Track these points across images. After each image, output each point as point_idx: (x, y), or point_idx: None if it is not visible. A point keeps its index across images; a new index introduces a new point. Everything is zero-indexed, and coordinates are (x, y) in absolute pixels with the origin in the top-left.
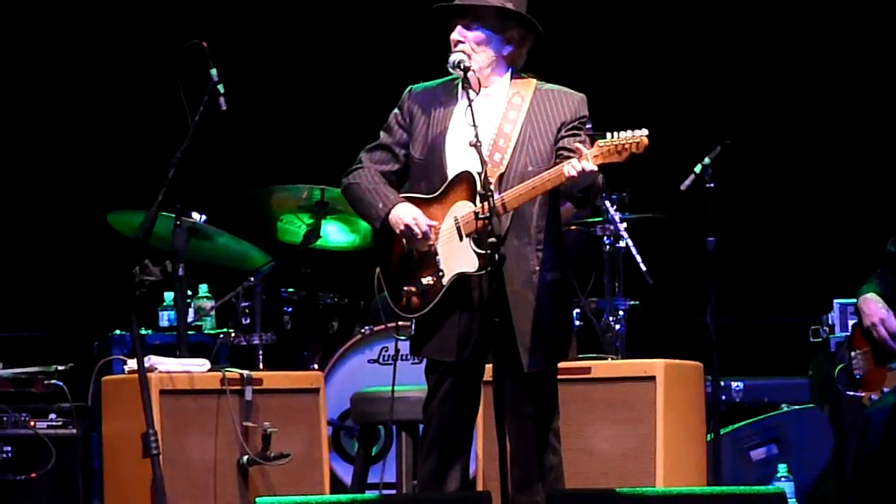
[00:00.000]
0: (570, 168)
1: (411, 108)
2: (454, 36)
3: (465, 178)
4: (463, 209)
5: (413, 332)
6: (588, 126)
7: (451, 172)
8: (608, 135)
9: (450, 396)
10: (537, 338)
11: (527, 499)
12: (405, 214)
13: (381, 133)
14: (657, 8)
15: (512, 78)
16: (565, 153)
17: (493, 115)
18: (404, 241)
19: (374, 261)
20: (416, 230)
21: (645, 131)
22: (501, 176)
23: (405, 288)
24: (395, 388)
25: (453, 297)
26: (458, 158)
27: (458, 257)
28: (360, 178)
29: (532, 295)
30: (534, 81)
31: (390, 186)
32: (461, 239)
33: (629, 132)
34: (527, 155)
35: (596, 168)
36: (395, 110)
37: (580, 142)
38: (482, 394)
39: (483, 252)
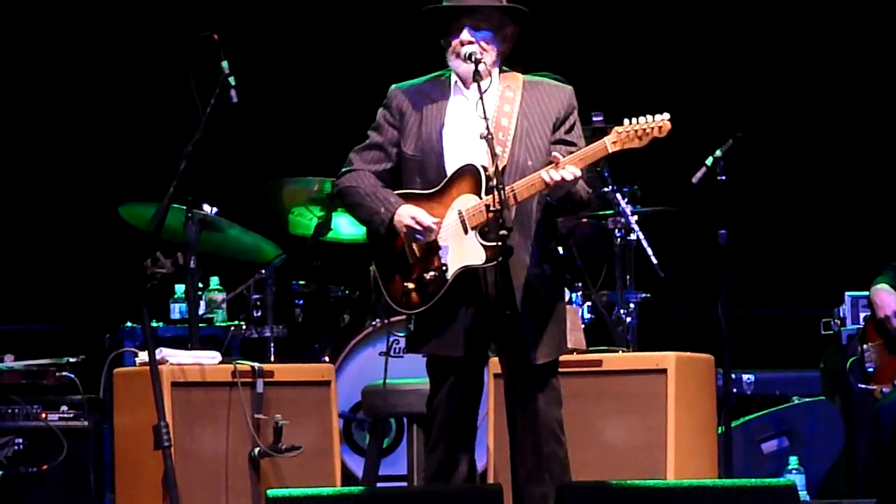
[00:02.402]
0: (547, 175)
1: (400, 106)
2: (464, 37)
3: (468, 171)
4: (467, 202)
5: (412, 329)
6: (599, 118)
7: (450, 167)
8: (626, 121)
9: (456, 390)
10: (543, 330)
11: (536, 490)
12: (407, 216)
13: (371, 133)
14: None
15: (500, 72)
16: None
17: (489, 109)
18: (409, 240)
19: (369, 258)
20: (420, 228)
21: (667, 115)
22: (503, 169)
23: (406, 284)
24: (406, 381)
25: (457, 291)
26: (456, 153)
27: (462, 251)
28: (357, 181)
29: (538, 287)
30: (519, 75)
31: (386, 187)
32: (466, 232)
33: (649, 117)
34: (526, 149)
35: (571, 177)
36: (382, 110)
37: (571, 153)
38: (492, 387)
39: (491, 244)
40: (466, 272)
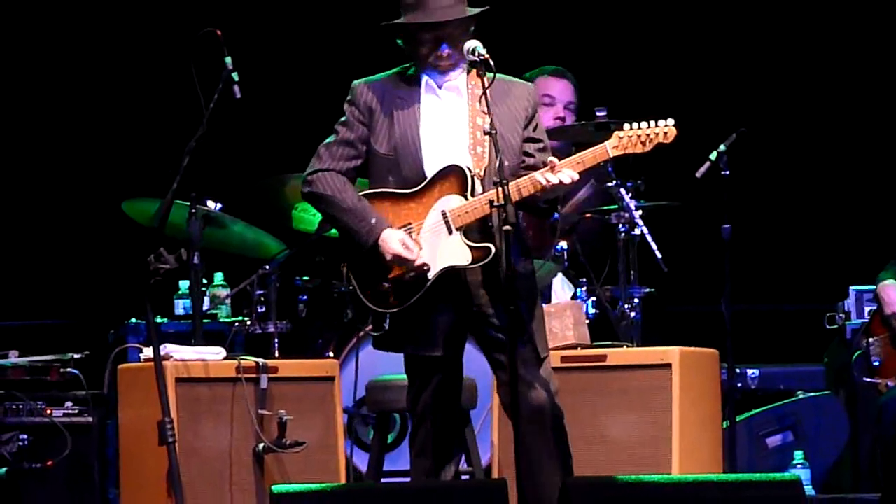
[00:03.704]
0: (543, 177)
1: (368, 103)
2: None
3: (454, 172)
4: (452, 203)
5: (387, 328)
6: (602, 113)
7: (429, 166)
8: (626, 125)
9: (440, 391)
10: (532, 326)
11: (541, 483)
12: (397, 242)
13: (339, 128)
14: None
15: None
16: (530, 161)
17: (462, 109)
18: (394, 265)
19: (341, 256)
20: (410, 255)
21: (671, 121)
22: (486, 169)
23: (383, 283)
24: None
25: (436, 291)
26: (436, 152)
27: (446, 251)
28: (332, 189)
29: (519, 286)
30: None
31: (355, 189)
32: (451, 233)
33: (653, 123)
34: (501, 149)
35: (568, 180)
36: (349, 106)
37: (540, 149)
38: (496, 382)
39: (478, 245)
40: (447, 272)
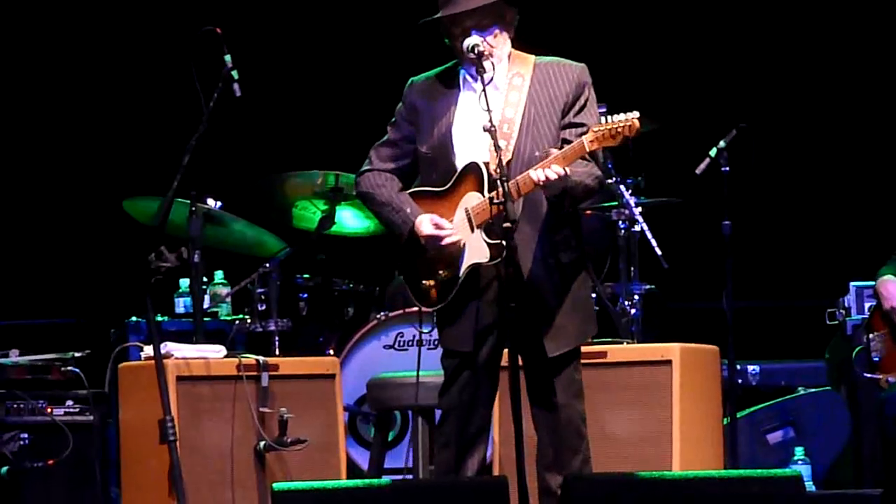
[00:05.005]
0: (535, 174)
1: (414, 102)
2: (474, 41)
3: (472, 169)
4: (472, 200)
5: (436, 322)
6: (602, 110)
7: (460, 163)
8: (602, 119)
9: (468, 386)
10: (559, 321)
11: (553, 484)
12: (428, 224)
13: (388, 129)
14: None
15: (509, 56)
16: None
17: (495, 100)
18: (429, 246)
19: (393, 260)
20: (442, 236)
21: (636, 114)
22: (508, 162)
23: (423, 282)
24: (411, 373)
25: (469, 288)
26: (466, 149)
27: (470, 249)
28: (372, 187)
29: (550, 278)
30: (531, 57)
31: (402, 187)
32: (472, 230)
33: (621, 115)
34: (532, 140)
35: (555, 176)
36: (400, 105)
37: (581, 134)
38: (499, 379)
39: (494, 242)
40: (476, 269)
